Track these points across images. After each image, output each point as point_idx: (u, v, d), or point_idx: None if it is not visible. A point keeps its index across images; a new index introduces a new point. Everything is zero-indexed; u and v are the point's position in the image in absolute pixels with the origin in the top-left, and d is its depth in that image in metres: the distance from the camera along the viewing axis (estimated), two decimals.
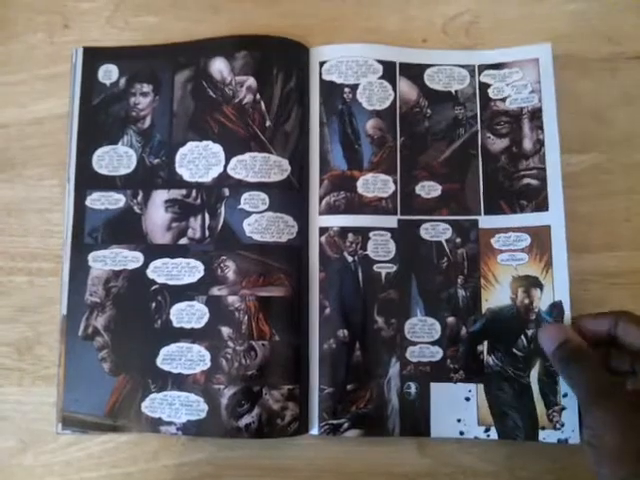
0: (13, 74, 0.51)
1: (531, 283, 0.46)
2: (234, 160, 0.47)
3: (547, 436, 0.44)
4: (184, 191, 0.48)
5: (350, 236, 0.47)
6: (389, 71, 0.49)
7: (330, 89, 0.49)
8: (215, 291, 0.46)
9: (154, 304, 0.47)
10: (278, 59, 0.49)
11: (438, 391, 0.45)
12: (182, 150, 0.48)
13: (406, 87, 0.49)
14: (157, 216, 0.48)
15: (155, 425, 0.45)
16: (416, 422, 0.45)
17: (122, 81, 0.50)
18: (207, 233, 0.47)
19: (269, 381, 0.45)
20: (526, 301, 0.45)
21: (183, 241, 0.47)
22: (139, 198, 0.48)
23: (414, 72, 0.49)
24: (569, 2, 0.51)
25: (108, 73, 0.50)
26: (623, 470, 0.35)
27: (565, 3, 0.51)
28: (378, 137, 0.48)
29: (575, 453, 0.44)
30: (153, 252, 0.47)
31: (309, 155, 0.49)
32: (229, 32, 0.49)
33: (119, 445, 0.46)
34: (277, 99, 0.48)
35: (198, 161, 0.48)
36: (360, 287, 0.47)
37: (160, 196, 0.48)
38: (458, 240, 0.47)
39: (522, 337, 0.45)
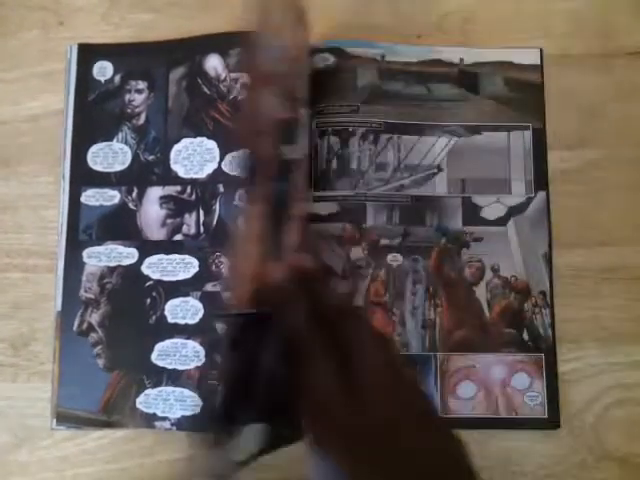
0: (8, 71, 0.51)
1: None
2: (229, 156, 0.47)
3: None
4: (179, 187, 0.48)
5: None
6: None
7: None
8: (210, 287, 0.46)
9: (149, 300, 0.46)
10: None
11: None
12: (177, 147, 0.48)
13: None
14: (152, 212, 0.48)
15: (150, 421, 0.45)
16: None
17: (117, 78, 0.49)
18: (202, 229, 0.47)
19: None
20: None
21: (178, 237, 0.47)
22: (134, 194, 0.48)
23: None
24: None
25: (103, 70, 0.50)
26: None
27: (560, 0, 0.50)
28: None
29: (569, 450, 0.45)
30: (148, 248, 0.47)
31: None
32: (223, 29, 0.49)
33: (114, 441, 0.46)
34: None
35: (193, 157, 0.48)
36: None
37: (155, 192, 0.48)
38: None
39: None
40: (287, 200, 0.36)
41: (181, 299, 0.46)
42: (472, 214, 0.47)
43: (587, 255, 0.47)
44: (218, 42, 0.48)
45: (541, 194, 0.47)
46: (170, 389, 0.45)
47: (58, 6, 0.51)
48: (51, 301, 0.46)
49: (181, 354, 0.45)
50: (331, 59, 0.48)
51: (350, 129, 0.48)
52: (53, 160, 0.49)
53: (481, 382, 0.45)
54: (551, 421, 0.45)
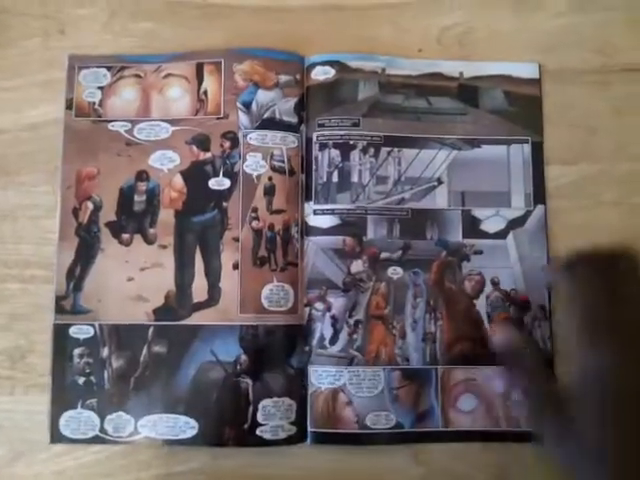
0: (8, 80, 0.49)
1: None
2: None
3: None
4: None
5: None
6: None
7: None
8: None
9: None
10: None
11: None
12: None
13: None
14: None
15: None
16: None
17: None
18: None
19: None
20: None
21: None
22: None
23: None
24: (561, 15, 0.49)
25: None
26: None
27: (558, 16, 0.49)
28: None
29: None
30: None
31: None
32: (225, 40, 0.48)
33: (112, 455, 0.44)
34: None
35: None
36: None
37: None
38: None
39: None
40: None
41: None
42: (472, 227, 0.46)
43: None
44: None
45: (540, 207, 0.46)
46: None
47: (60, 14, 0.49)
48: (50, 313, 0.44)
49: None
50: (332, 72, 0.47)
51: (351, 142, 0.46)
52: (53, 169, 0.47)
53: (482, 395, 0.44)
54: None
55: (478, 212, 0.46)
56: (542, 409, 0.34)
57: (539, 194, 0.46)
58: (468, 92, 0.48)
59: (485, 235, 0.46)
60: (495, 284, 0.45)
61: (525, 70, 0.48)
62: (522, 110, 0.48)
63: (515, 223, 0.46)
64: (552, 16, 0.49)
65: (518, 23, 0.49)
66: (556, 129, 0.47)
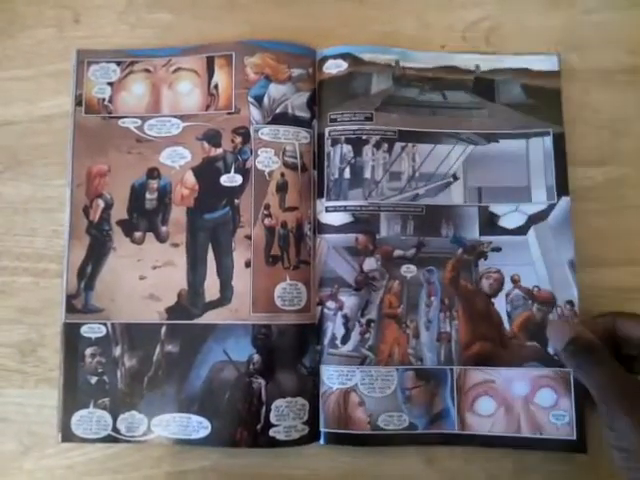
0: (22, 69, 0.46)
1: None
2: None
3: None
4: None
5: None
6: None
7: None
8: None
9: None
10: None
11: None
12: None
13: None
14: None
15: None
16: None
17: None
18: None
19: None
20: None
21: None
22: None
23: None
24: (591, 12, 0.46)
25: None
26: None
27: (587, 13, 0.46)
28: None
29: (588, 468, 0.40)
30: None
31: None
32: (243, 32, 0.45)
33: (122, 450, 0.42)
34: None
35: None
36: None
37: None
38: None
39: None
40: None
41: None
42: (490, 223, 0.43)
43: (609, 274, 0.42)
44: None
45: (564, 199, 0.43)
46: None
47: (75, 3, 0.47)
48: (60, 307, 0.42)
49: None
50: (344, 65, 0.44)
51: (363, 137, 0.43)
52: (66, 162, 0.44)
53: (501, 398, 0.41)
54: (580, 444, 0.40)
55: (496, 208, 0.43)
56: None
57: (563, 186, 0.43)
58: (484, 85, 0.45)
59: (504, 231, 0.43)
60: (515, 282, 0.42)
61: (544, 63, 0.45)
62: (541, 103, 0.44)
63: (537, 218, 0.43)
64: (582, 13, 0.46)
65: (547, 20, 0.46)
66: (582, 129, 0.44)
